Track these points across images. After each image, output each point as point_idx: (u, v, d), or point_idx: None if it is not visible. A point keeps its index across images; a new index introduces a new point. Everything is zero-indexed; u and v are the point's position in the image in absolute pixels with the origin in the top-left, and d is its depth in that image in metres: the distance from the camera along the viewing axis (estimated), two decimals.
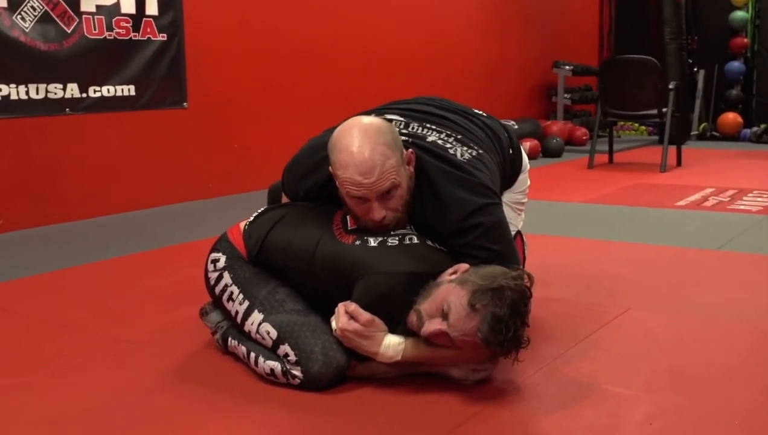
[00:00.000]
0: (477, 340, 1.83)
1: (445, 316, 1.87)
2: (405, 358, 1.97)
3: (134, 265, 3.45)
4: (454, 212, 2.05)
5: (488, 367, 2.01)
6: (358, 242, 2.04)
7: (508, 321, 1.80)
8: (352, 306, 1.95)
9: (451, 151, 2.14)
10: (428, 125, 2.24)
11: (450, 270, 1.98)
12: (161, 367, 2.18)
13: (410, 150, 2.08)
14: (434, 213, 2.08)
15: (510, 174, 2.44)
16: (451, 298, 1.86)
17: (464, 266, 1.97)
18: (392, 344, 1.96)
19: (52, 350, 2.34)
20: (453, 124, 2.29)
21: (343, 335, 1.96)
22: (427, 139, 2.17)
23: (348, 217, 2.12)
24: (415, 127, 2.22)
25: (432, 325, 1.88)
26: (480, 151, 2.20)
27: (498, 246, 2.06)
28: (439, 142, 2.16)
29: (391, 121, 2.23)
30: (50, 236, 4.08)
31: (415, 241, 2.04)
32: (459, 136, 2.22)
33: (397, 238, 2.03)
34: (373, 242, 2.02)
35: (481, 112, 2.46)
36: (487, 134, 2.34)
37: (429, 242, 2.07)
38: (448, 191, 2.07)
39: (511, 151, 2.43)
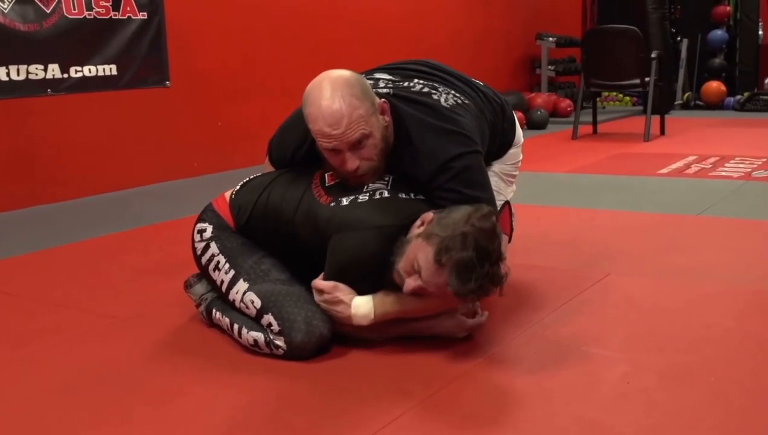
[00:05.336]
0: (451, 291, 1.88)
1: (418, 273, 1.90)
2: (379, 315, 1.99)
3: (121, 243, 3.46)
4: (429, 161, 2.06)
5: (470, 322, 2.08)
6: (332, 203, 2.06)
7: (476, 266, 1.82)
8: (316, 280, 1.97)
9: (435, 97, 2.14)
10: (416, 79, 2.24)
11: (417, 222, 1.98)
12: (148, 340, 2.20)
13: (383, 100, 2.08)
14: (411, 162, 2.09)
15: (500, 143, 2.41)
16: (419, 255, 1.89)
17: (428, 216, 1.97)
18: (361, 303, 1.99)
19: (41, 326, 2.36)
20: (443, 80, 2.27)
21: (321, 307, 2.01)
22: (412, 89, 2.18)
23: (326, 173, 2.15)
24: (402, 81, 2.22)
25: (410, 283, 1.92)
26: (467, 102, 2.19)
27: (470, 190, 2.05)
28: (425, 90, 2.17)
29: (378, 79, 2.24)
30: (35, 217, 4.08)
31: (386, 194, 2.05)
32: (446, 88, 2.21)
33: (367, 195, 2.05)
34: (345, 202, 2.05)
35: (476, 81, 2.43)
36: (480, 97, 2.32)
37: (402, 194, 2.07)
38: (423, 140, 2.08)
39: (503, 122, 2.40)
